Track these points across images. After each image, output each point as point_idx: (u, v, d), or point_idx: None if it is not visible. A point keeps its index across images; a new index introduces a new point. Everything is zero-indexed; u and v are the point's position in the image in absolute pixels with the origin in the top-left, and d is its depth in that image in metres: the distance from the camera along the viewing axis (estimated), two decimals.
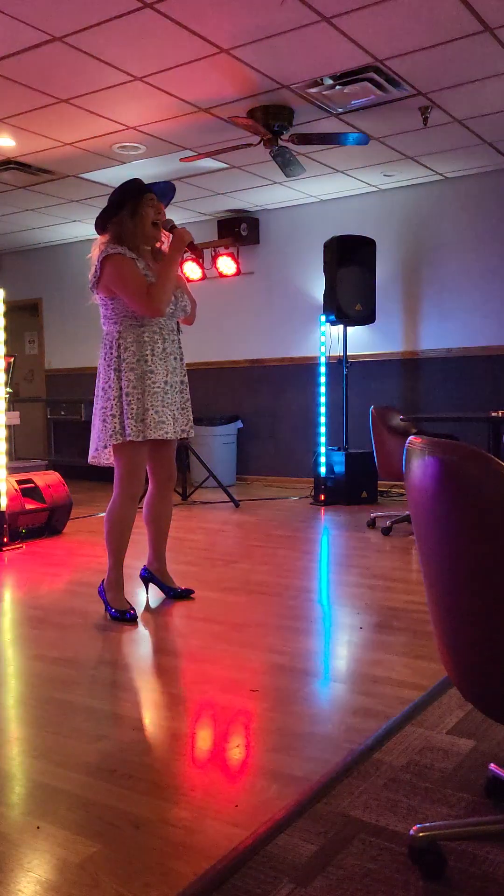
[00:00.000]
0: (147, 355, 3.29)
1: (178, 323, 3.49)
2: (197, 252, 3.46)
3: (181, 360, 3.47)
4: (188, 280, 3.68)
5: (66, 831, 1.71)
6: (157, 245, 3.43)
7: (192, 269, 7.97)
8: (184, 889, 1.49)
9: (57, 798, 1.85)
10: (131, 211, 3.29)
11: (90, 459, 3.44)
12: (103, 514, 3.50)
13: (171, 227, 3.34)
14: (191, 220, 8.29)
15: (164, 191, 3.43)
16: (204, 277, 8.12)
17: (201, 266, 8.04)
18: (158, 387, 3.30)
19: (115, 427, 3.27)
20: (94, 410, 3.40)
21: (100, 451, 3.39)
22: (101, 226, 3.38)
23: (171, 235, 3.35)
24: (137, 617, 3.34)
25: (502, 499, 1.26)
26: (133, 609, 3.36)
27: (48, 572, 4.28)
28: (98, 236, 3.39)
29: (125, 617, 3.30)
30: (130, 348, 3.28)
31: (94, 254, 3.31)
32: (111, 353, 3.32)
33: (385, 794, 1.83)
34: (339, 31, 4.13)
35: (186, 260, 7.67)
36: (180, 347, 3.48)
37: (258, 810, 1.77)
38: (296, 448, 7.84)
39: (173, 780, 1.94)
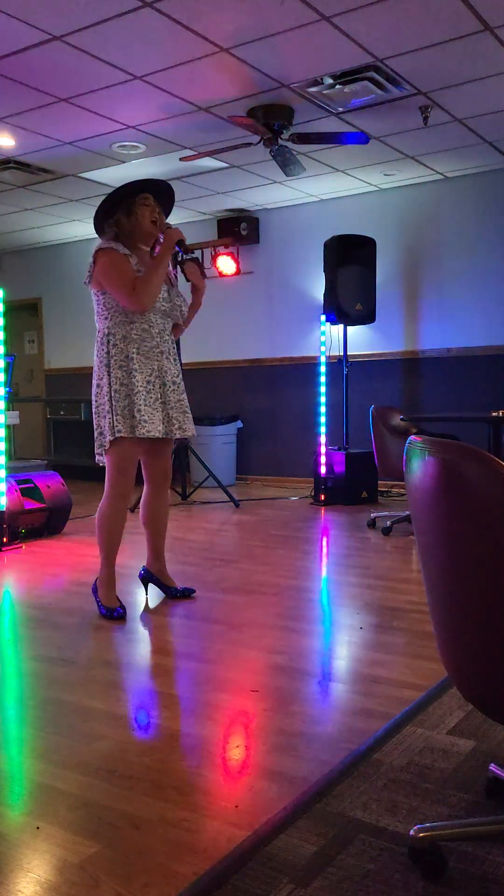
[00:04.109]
0: (133, 353, 3.31)
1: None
2: (188, 251, 3.45)
3: (175, 359, 3.47)
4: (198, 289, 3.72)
5: (66, 831, 1.70)
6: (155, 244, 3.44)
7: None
8: (184, 889, 1.49)
9: (57, 798, 1.85)
10: (127, 210, 3.34)
11: (97, 461, 3.47)
12: None
13: (166, 228, 3.38)
14: (191, 219, 8.29)
15: (159, 191, 3.42)
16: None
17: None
18: (141, 385, 3.30)
19: (109, 424, 3.30)
20: (92, 409, 3.44)
21: (98, 452, 3.42)
22: (99, 228, 3.43)
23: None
24: (125, 615, 3.34)
25: (502, 499, 1.26)
26: (122, 607, 3.37)
27: (48, 572, 4.28)
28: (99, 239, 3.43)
29: (113, 615, 3.32)
30: (119, 345, 3.31)
31: None
32: (102, 350, 3.35)
33: (385, 794, 1.83)
34: (339, 31, 4.12)
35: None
36: (174, 346, 3.49)
37: (258, 810, 1.77)
38: (296, 448, 7.84)
39: (173, 780, 1.93)
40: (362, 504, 6.47)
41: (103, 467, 3.44)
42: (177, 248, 3.38)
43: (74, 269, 9.21)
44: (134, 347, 3.31)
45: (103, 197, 3.40)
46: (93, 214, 3.47)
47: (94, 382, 3.38)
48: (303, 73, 4.68)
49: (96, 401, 3.36)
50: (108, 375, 3.31)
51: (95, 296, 3.37)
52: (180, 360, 6.90)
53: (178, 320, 3.53)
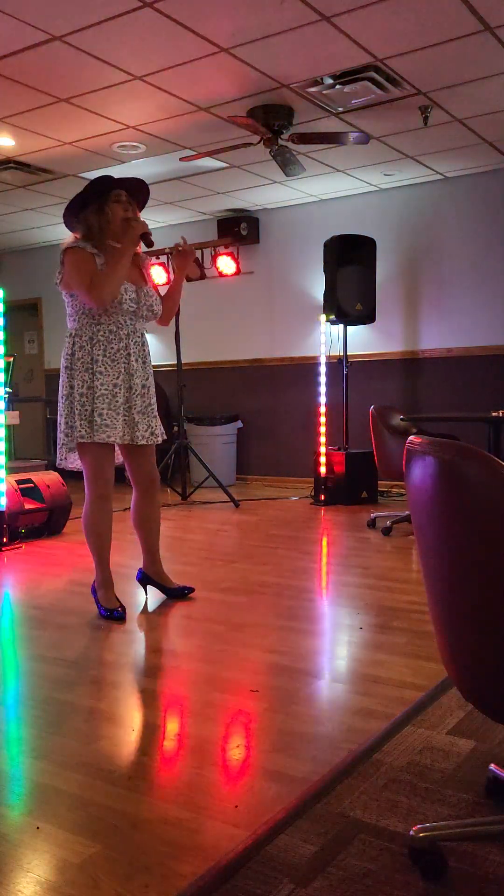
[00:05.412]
0: (98, 355, 3.25)
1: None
2: (151, 246, 3.36)
3: (145, 362, 3.40)
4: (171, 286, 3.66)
5: (66, 831, 1.70)
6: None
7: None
8: (184, 889, 1.49)
9: (57, 798, 1.85)
10: (97, 208, 3.30)
11: (57, 463, 3.44)
12: None
13: (133, 222, 3.28)
14: (191, 219, 8.29)
15: (133, 188, 3.37)
16: (203, 277, 8.11)
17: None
18: (107, 389, 3.25)
19: (68, 428, 3.26)
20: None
21: (60, 455, 3.37)
22: (69, 224, 3.40)
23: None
24: (125, 616, 3.33)
25: (502, 498, 1.26)
26: (122, 608, 3.36)
27: (48, 572, 4.28)
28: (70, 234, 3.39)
29: (113, 615, 3.31)
30: (85, 347, 3.27)
31: None
32: (67, 351, 3.32)
33: (385, 794, 1.83)
34: (339, 31, 4.12)
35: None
36: (145, 348, 3.41)
37: (258, 810, 1.77)
38: (296, 448, 7.84)
39: (173, 780, 1.94)
40: (362, 504, 6.46)
41: (68, 469, 3.43)
42: (141, 243, 3.27)
43: None
44: (100, 350, 3.25)
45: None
46: None
47: (60, 383, 3.33)
48: (303, 73, 4.68)
49: (61, 402, 3.32)
50: (72, 378, 3.27)
51: (66, 297, 3.33)
52: (179, 359, 6.93)
53: (150, 319, 3.44)
